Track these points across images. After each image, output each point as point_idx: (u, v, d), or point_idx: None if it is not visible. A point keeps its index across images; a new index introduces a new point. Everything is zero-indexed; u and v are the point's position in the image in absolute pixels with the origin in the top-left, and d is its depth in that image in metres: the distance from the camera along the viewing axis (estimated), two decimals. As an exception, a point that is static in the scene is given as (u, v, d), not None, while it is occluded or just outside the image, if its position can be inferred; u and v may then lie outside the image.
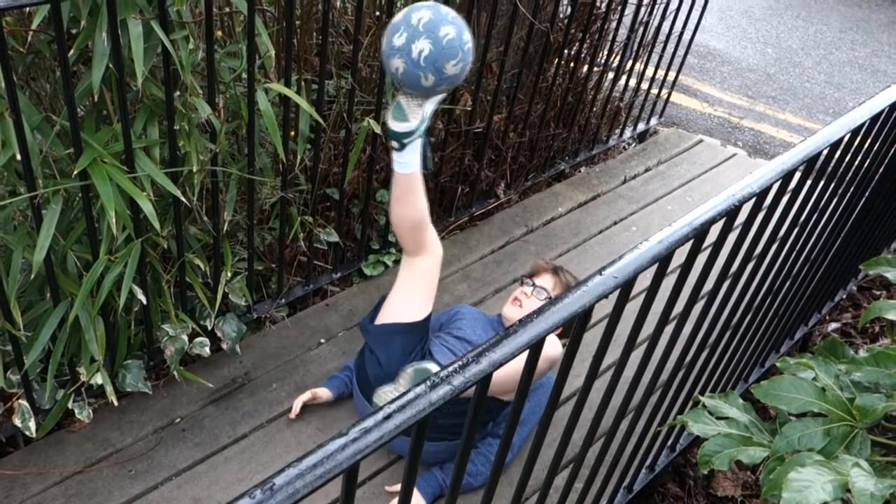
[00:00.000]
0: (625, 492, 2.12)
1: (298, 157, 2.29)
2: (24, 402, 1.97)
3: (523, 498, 1.52)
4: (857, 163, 1.96)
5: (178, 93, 1.89)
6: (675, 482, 2.47)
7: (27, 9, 1.70)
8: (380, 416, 0.84)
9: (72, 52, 1.66)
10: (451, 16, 1.91)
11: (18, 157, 1.62)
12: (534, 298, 2.35)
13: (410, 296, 2.16)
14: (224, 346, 2.34)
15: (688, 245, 1.35)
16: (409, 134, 1.98)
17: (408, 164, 2.03)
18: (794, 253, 2.00)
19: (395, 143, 2.01)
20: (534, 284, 2.40)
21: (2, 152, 1.64)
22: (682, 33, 3.77)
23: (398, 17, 1.91)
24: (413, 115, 1.97)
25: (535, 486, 2.11)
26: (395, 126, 1.98)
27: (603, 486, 1.95)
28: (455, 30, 1.89)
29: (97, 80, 1.67)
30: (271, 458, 2.13)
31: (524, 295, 2.38)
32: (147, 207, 1.78)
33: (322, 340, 2.54)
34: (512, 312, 2.37)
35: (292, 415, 2.23)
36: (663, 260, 1.24)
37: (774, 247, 1.87)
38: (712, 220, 1.29)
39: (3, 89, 1.58)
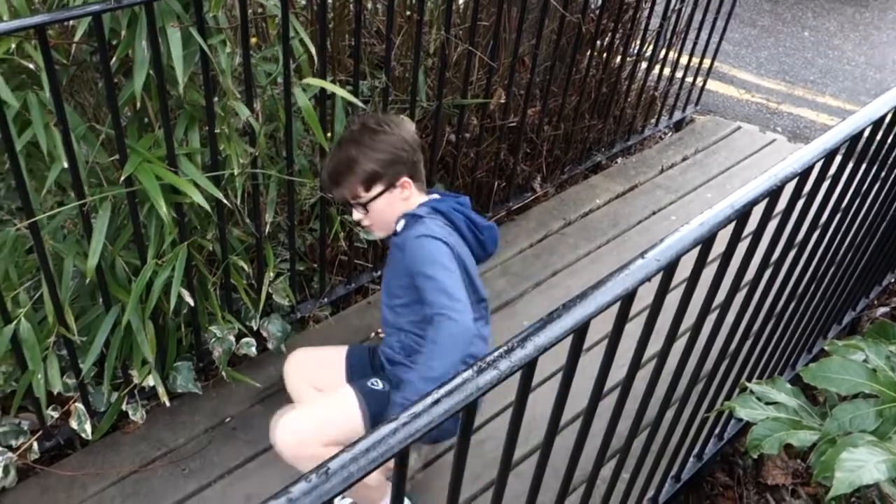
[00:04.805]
0: (672, 481, 2.10)
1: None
2: (80, 406, 2.02)
3: (570, 489, 1.52)
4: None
5: (216, 97, 1.92)
6: (723, 471, 2.44)
7: (70, 22, 1.75)
8: (429, 400, 0.85)
9: (113, 60, 1.70)
10: None
11: (65, 164, 1.66)
12: (366, 216, 2.00)
13: None
14: (270, 345, 2.37)
15: (729, 231, 1.34)
16: None
17: None
18: (838, 238, 1.97)
19: None
20: (348, 203, 2.04)
21: (53, 164, 1.69)
22: (715, 19, 3.73)
23: None
24: None
25: (582, 478, 2.11)
26: None
27: (650, 476, 1.94)
28: None
29: (139, 88, 1.72)
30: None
31: (360, 221, 2.03)
32: (196, 196, 1.81)
33: (367, 338, 2.57)
34: (379, 235, 2.08)
35: None
36: (706, 242, 1.23)
37: (817, 233, 1.85)
38: (754, 202, 1.28)
39: (50, 101, 1.63)
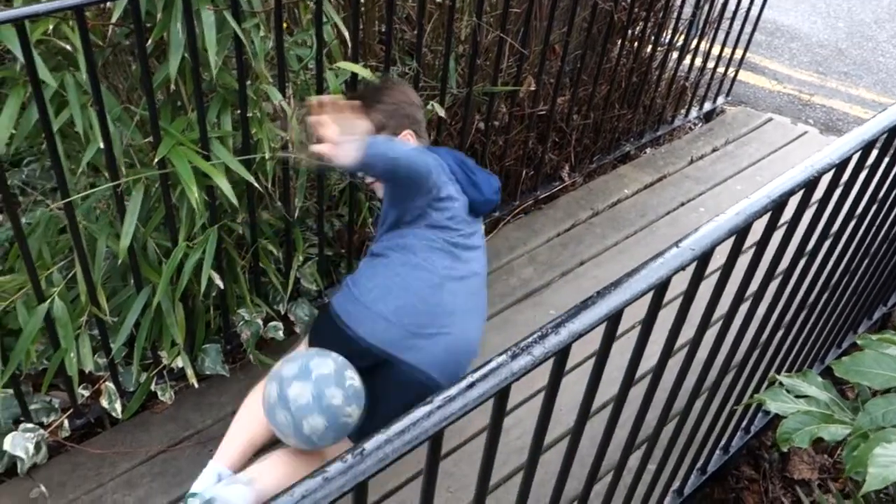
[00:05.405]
0: (698, 473, 2.09)
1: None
2: (110, 385, 2.05)
3: (596, 478, 1.51)
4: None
5: (249, 81, 1.93)
6: (749, 465, 2.43)
7: (107, 3, 1.76)
8: (463, 384, 0.85)
9: (149, 42, 1.71)
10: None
11: (101, 145, 1.68)
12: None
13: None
14: (297, 329, 2.39)
15: (764, 220, 1.33)
16: None
17: None
18: (874, 230, 1.94)
19: None
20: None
21: (89, 145, 1.71)
22: (749, 9, 3.68)
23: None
24: None
25: (608, 467, 2.10)
26: None
27: (676, 468, 1.93)
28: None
29: (174, 70, 1.73)
30: (345, 438, 2.18)
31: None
32: (224, 185, 1.83)
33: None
34: (381, 192, 2.17)
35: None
36: (741, 232, 1.22)
37: (852, 223, 1.82)
38: (791, 192, 1.27)
39: (86, 82, 1.64)
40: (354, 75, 2.13)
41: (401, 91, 2.14)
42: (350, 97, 2.10)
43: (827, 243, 1.76)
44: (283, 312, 2.35)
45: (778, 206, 1.27)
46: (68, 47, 1.72)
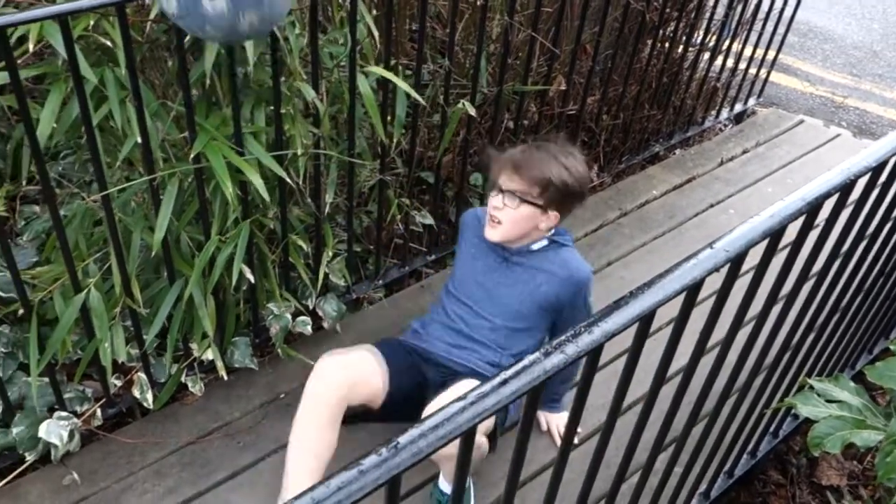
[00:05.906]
0: (725, 477, 2.08)
1: (395, 140, 2.33)
2: (142, 376, 2.08)
3: (623, 479, 1.51)
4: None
5: (283, 78, 1.95)
6: (776, 469, 2.41)
7: (146, 0, 1.79)
8: (497, 381, 0.86)
9: (186, 39, 1.74)
10: None
11: (139, 139, 1.71)
12: (507, 209, 1.99)
13: None
14: (325, 325, 2.41)
15: (799, 221, 1.32)
16: None
17: None
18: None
19: None
20: (501, 190, 2.00)
21: (126, 139, 1.74)
22: (782, 10, 3.64)
23: None
24: None
25: (635, 467, 2.10)
26: None
27: (703, 470, 1.92)
28: None
29: (209, 67, 1.75)
30: (370, 432, 2.19)
31: (496, 210, 2.01)
32: (257, 181, 1.85)
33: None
34: (494, 235, 2.05)
35: None
36: (775, 234, 1.21)
37: (888, 226, 1.80)
38: (826, 195, 1.26)
39: (125, 77, 1.67)
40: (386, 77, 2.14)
41: (586, 168, 2.08)
42: (551, 146, 2.06)
43: (862, 246, 1.74)
44: (311, 307, 2.37)
45: (813, 208, 1.26)
46: (108, 43, 1.75)
